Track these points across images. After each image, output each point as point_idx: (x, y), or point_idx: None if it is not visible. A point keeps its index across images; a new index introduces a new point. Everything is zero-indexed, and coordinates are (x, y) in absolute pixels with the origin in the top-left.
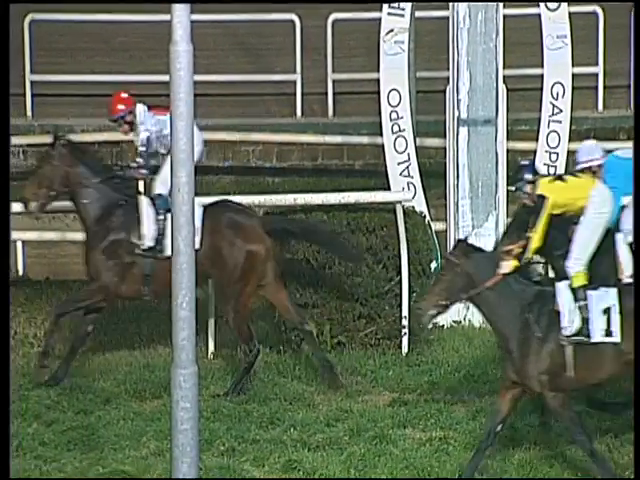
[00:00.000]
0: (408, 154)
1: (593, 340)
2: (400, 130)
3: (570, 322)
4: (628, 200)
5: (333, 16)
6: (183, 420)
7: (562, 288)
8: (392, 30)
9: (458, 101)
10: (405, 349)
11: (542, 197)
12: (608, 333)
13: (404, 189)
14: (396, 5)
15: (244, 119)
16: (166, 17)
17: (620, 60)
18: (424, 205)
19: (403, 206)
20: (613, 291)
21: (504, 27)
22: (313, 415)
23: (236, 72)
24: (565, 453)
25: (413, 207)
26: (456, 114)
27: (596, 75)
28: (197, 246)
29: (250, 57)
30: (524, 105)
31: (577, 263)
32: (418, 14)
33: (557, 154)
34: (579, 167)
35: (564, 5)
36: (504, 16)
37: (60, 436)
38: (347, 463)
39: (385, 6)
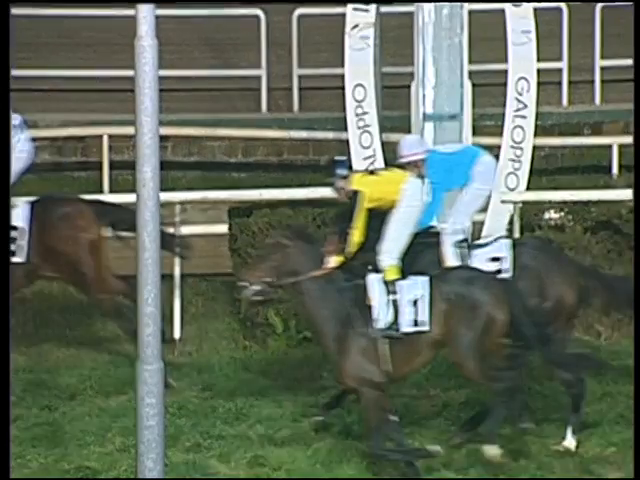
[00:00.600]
0: (374, 149)
1: (402, 331)
2: (365, 125)
3: (382, 315)
4: (458, 198)
5: (298, 11)
6: (148, 416)
7: (373, 281)
8: (357, 25)
9: (423, 96)
10: None
11: (356, 192)
12: (417, 323)
13: None
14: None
15: (209, 114)
16: (131, 12)
17: (585, 56)
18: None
19: None
20: (422, 280)
21: (469, 22)
22: (279, 411)
23: (201, 67)
24: (530, 448)
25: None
26: (421, 109)
27: (561, 70)
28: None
29: (215, 52)
30: (489, 100)
31: (388, 256)
32: (383, 9)
33: (522, 149)
34: (401, 161)
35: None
36: (469, 11)
37: (25, 432)
38: (313, 458)
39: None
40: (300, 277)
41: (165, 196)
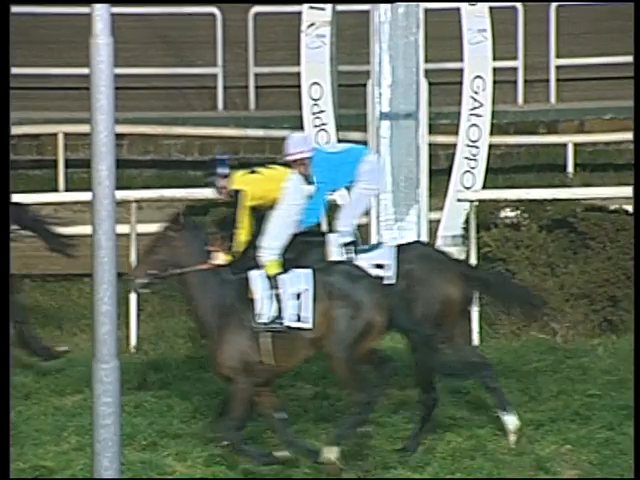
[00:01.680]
0: None
1: (285, 325)
2: (322, 124)
3: (264, 310)
4: (344, 199)
5: (254, 9)
6: (105, 415)
7: (255, 276)
8: (313, 23)
9: (379, 95)
10: None
11: (237, 191)
12: (299, 318)
13: None
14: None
15: (165, 112)
16: (86, 10)
17: (540, 54)
18: (346, 199)
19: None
20: (305, 274)
21: (425, 21)
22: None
23: (157, 65)
24: (486, 446)
25: (335, 200)
26: (377, 108)
27: (516, 69)
28: None
29: (171, 50)
30: (445, 99)
31: (268, 252)
32: (339, 7)
33: (478, 148)
34: (287, 159)
35: None
36: (425, 10)
37: None
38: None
39: None
40: (185, 270)
41: (121, 194)
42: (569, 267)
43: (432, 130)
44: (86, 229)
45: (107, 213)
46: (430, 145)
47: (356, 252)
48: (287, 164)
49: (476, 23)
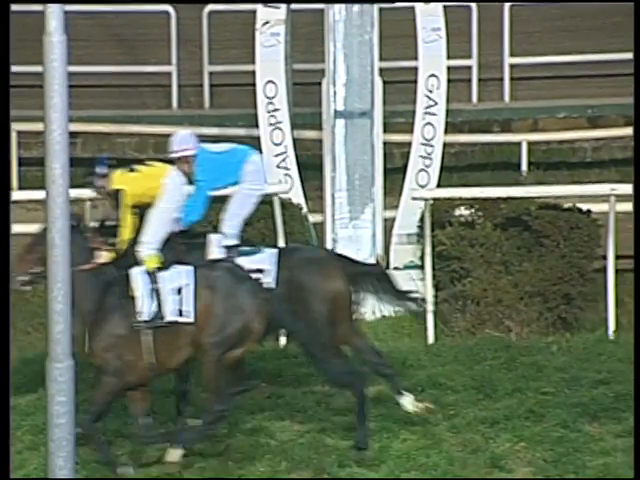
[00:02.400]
0: (285, 146)
1: (166, 321)
2: (277, 122)
3: (145, 307)
4: (229, 200)
5: (209, 7)
6: (59, 414)
7: (135, 274)
8: (268, 22)
9: (334, 93)
10: (283, 341)
11: (117, 190)
12: (181, 313)
13: (281, 181)
14: None
15: (120, 111)
16: (40, 7)
17: (493, 53)
18: (301, 197)
19: (280, 198)
20: (187, 270)
21: (380, 19)
22: (191, 408)
23: (112, 63)
24: (441, 444)
25: (290, 199)
26: (332, 106)
27: (470, 68)
28: None
29: (125, 48)
30: (400, 97)
31: (147, 247)
32: (294, 6)
33: (432, 146)
34: (172, 156)
35: None
36: (379, 9)
37: None
38: (225, 456)
39: None
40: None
41: (75, 193)
42: (523, 265)
43: (387, 129)
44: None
45: (61, 211)
46: (385, 144)
47: (238, 254)
48: (171, 161)
49: (430, 22)
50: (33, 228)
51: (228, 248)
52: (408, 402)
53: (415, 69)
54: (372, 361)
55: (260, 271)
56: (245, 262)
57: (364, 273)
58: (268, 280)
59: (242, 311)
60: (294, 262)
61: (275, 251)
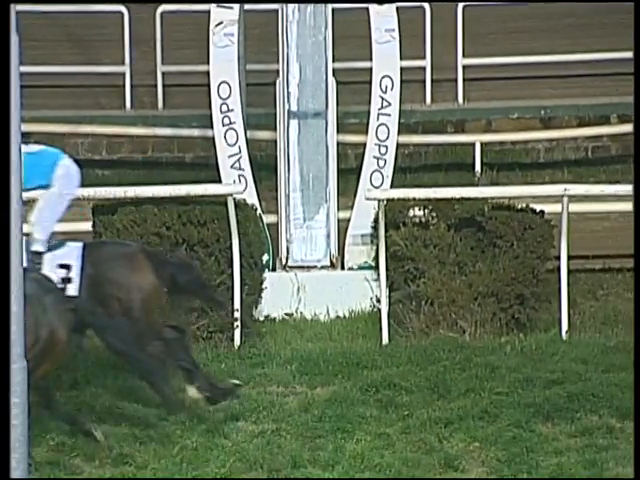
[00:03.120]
0: (239, 147)
1: None
2: (231, 122)
3: None
4: (37, 204)
5: (162, 8)
6: (12, 415)
7: None
8: (221, 22)
9: (288, 94)
10: (237, 342)
11: None
12: None
13: (235, 182)
14: None
15: (73, 111)
16: None
17: (447, 53)
18: (255, 198)
19: (234, 199)
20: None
21: (333, 20)
22: (145, 409)
23: (65, 63)
24: (395, 444)
25: (244, 200)
26: (286, 107)
27: (424, 69)
28: None
29: (79, 48)
30: (354, 98)
31: None
32: (247, 6)
33: (386, 147)
34: None
35: None
36: (333, 9)
37: None
38: (179, 456)
39: None
40: None
41: (29, 194)
42: (477, 266)
43: (341, 129)
44: None
45: (15, 213)
46: (339, 144)
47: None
48: None
49: (384, 22)
50: None
51: (36, 254)
52: (192, 392)
53: (369, 70)
54: (177, 354)
55: (66, 267)
56: (49, 258)
57: (171, 265)
58: (73, 275)
59: (47, 324)
60: (101, 256)
61: (80, 245)
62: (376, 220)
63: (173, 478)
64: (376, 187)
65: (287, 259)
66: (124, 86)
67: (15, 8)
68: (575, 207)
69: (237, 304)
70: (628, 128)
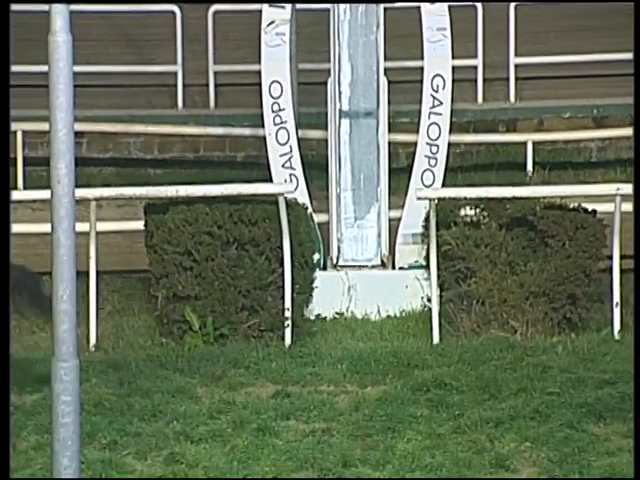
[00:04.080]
0: (290, 146)
1: None
2: (282, 122)
3: None
4: None
5: (214, 7)
6: (64, 414)
7: None
8: (273, 22)
9: (339, 93)
10: (288, 341)
11: None
12: None
13: (286, 181)
14: None
15: (125, 110)
16: (45, 7)
17: (499, 53)
18: (306, 197)
19: (285, 198)
20: None
21: (385, 19)
22: (196, 407)
23: (117, 63)
24: (446, 444)
25: (295, 199)
26: (338, 106)
27: (476, 68)
28: None
29: (131, 48)
30: (405, 97)
31: None
32: (299, 6)
33: (437, 146)
34: None
35: None
36: (385, 9)
37: None
38: (230, 455)
39: None
40: None
41: (80, 192)
42: (528, 265)
43: (392, 128)
44: (45, 227)
45: (66, 211)
46: (390, 143)
47: None
48: None
49: (436, 22)
50: (38, 228)
51: None
52: None
53: (420, 69)
54: None
55: None
56: None
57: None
58: None
59: None
60: None
61: None
62: (427, 219)
63: (224, 477)
64: (427, 186)
65: (338, 258)
66: (176, 85)
67: (69, 7)
68: (628, 206)
69: (288, 303)
70: None
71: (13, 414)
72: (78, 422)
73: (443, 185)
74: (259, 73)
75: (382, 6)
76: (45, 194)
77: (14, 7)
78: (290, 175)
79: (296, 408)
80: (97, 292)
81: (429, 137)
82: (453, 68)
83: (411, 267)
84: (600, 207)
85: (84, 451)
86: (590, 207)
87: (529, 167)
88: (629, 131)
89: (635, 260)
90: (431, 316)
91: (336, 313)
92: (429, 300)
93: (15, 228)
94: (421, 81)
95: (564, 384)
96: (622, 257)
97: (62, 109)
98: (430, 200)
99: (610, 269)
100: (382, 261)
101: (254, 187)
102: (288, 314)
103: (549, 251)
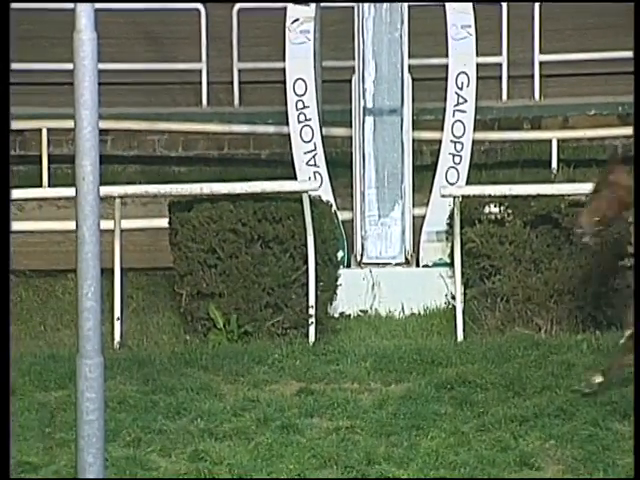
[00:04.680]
0: (314, 143)
1: None
2: (306, 119)
3: None
4: None
5: (238, 5)
6: (89, 411)
7: None
8: (298, 19)
9: (364, 90)
10: (312, 338)
11: None
12: None
13: (310, 178)
14: None
15: (150, 108)
16: (70, 5)
17: (523, 50)
18: (330, 194)
19: (310, 195)
20: None
21: (409, 17)
22: (220, 405)
23: (142, 60)
24: (470, 441)
25: (320, 196)
26: (362, 103)
27: (500, 65)
28: None
29: (156, 46)
30: (429, 95)
31: None
32: (323, 3)
33: (462, 144)
34: None
35: None
36: (409, 6)
37: None
38: (254, 453)
39: None
40: None
41: (105, 190)
42: (553, 263)
43: (416, 126)
44: (70, 225)
45: (91, 209)
46: (414, 141)
47: None
48: None
49: (460, 19)
50: (63, 226)
51: None
52: None
53: (445, 66)
54: None
55: None
56: None
57: None
58: None
59: None
60: None
61: None
62: (451, 217)
63: (248, 474)
64: (452, 184)
65: (362, 256)
66: (200, 83)
67: (94, 6)
68: None
69: (312, 300)
70: None
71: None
72: (102, 419)
73: (467, 183)
74: (284, 71)
75: (406, 4)
76: (70, 191)
77: (38, 5)
78: (314, 173)
79: (320, 405)
80: (122, 290)
81: (453, 135)
82: (478, 65)
83: (435, 265)
84: None
85: (108, 448)
86: None
87: (554, 165)
88: None
89: (635, 259)
90: (455, 314)
91: (360, 311)
92: (453, 298)
93: (40, 225)
94: (446, 78)
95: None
96: None
97: (87, 106)
98: (454, 198)
99: (635, 266)
100: (406, 259)
101: (278, 185)
102: (312, 312)
103: (574, 249)
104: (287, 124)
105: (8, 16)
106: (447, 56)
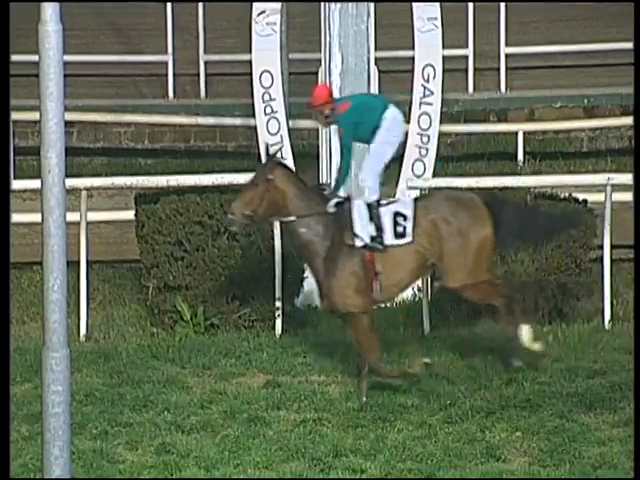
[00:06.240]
0: (281, 136)
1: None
2: (273, 112)
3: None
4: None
5: None
6: (55, 404)
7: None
8: (264, 11)
9: (330, 83)
10: (279, 331)
11: None
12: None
13: None
14: None
15: (116, 100)
16: None
17: (489, 43)
18: None
19: None
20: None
21: (375, 9)
22: (187, 397)
23: (107, 52)
24: (437, 434)
25: None
26: None
27: (466, 57)
28: None
29: (121, 37)
30: (396, 87)
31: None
32: None
33: (428, 136)
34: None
35: None
36: None
37: None
38: (221, 445)
39: None
40: None
41: (71, 182)
42: (519, 255)
43: None
44: (36, 217)
45: (57, 201)
46: None
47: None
48: None
49: (426, 11)
50: (28, 218)
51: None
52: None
53: (411, 59)
54: None
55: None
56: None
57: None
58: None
59: None
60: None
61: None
62: None
63: (215, 467)
64: (418, 176)
65: None
66: (166, 75)
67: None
68: (618, 196)
69: (278, 293)
70: None
71: None
72: (69, 412)
73: (434, 175)
74: (250, 63)
75: None
76: (36, 184)
77: None
78: None
79: (287, 398)
80: (88, 282)
81: (420, 127)
82: (444, 58)
83: None
84: (591, 197)
85: (75, 441)
86: (581, 197)
87: (520, 157)
88: (619, 121)
89: (635, 254)
90: (422, 306)
91: None
92: (420, 290)
93: None
94: (412, 71)
95: (555, 374)
96: (613, 247)
97: (52, 98)
98: (421, 190)
99: (601, 259)
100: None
101: (245, 177)
102: (279, 304)
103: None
104: (254, 116)
105: (8, 14)
106: (413, 48)
